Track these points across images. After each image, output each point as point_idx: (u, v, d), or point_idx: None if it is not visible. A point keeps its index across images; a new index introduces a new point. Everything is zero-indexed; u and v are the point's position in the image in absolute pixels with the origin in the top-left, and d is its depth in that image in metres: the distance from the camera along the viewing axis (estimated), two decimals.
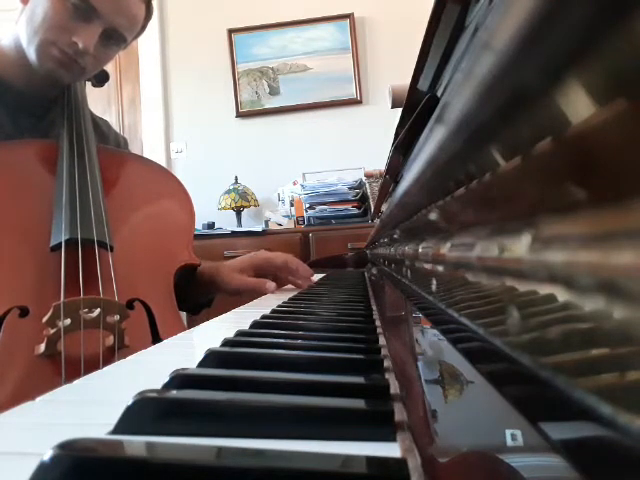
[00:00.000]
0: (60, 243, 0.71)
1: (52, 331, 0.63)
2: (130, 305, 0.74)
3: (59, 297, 0.66)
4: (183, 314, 1.13)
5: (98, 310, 0.66)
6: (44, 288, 0.69)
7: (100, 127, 1.05)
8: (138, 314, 0.75)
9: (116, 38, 0.88)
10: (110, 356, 0.66)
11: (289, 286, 1.05)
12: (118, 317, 0.67)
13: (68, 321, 0.64)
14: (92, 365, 0.64)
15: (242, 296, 0.96)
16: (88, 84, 1.05)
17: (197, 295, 1.05)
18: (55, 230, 0.73)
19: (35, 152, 0.84)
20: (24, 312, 0.67)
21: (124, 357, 0.66)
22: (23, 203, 0.77)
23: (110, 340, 0.67)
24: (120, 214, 0.84)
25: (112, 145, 1.05)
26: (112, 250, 0.76)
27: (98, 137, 0.99)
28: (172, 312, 0.81)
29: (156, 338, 0.74)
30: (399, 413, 0.26)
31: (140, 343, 0.71)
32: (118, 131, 1.15)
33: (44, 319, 0.63)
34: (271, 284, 0.96)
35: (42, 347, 0.63)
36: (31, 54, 0.85)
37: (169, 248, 0.89)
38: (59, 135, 0.87)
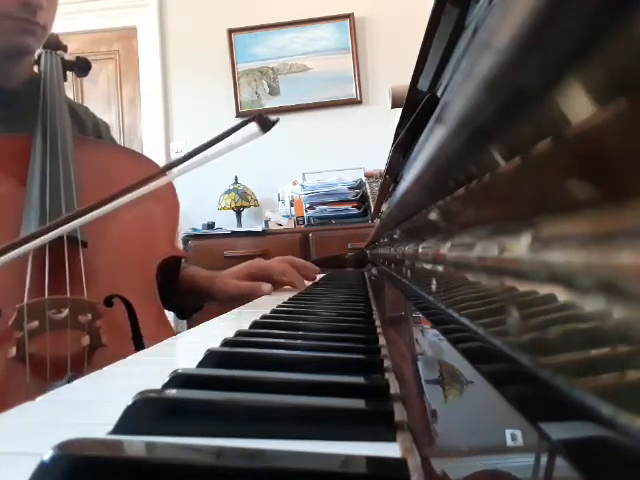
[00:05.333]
0: None
1: (20, 334, 0.62)
2: (109, 302, 0.72)
3: (31, 297, 0.64)
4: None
5: (67, 310, 0.64)
6: (15, 288, 0.66)
7: (78, 115, 1.01)
8: (118, 311, 0.72)
9: None
10: (88, 356, 0.64)
11: (288, 286, 1.05)
12: (90, 316, 0.66)
13: (36, 323, 0.62)
14: (61, 367, 0.62)
15: (237, 302, 0.95)
16: (72, 74, 1.02)
17: (189, 300, 1.03)
18: (24, 227, 0.71)
19: (7, 147, 0.80)
20: None
21: (103, 356, 0.65)
22: None
23: (86, 340, 0.65)
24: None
25: (91, 131, 1.01)
26: (85, 246, 0.73)
27: (77, 125, 0.95)
28: (155, 307, 0.79)
29: (137, 334, 0.72)
30: (399, 413, 0.26)
31: (119, 341, 0.69)
32: (119, 129, 1.13)
33: (9, 322, 0.62)
34: (267, 286, 0.94)
35: (13, 350, 0.62)
36: None
37: (150, 240, 0.85)
38: (33, 128, 0.83)
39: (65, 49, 1.02)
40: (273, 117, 0.75)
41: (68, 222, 0.60)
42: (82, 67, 1.01)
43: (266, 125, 0.72)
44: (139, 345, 0.71)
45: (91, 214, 0.64)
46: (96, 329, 0.66)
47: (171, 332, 0.79)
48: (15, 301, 0.64)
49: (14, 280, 0.67)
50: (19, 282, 0.66)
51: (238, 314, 0.74)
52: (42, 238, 0.60)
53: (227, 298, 0.96)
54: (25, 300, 0.64)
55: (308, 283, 1.07)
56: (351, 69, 2.73)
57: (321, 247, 2.23)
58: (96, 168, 0.87)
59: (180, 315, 1.10)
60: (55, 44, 0.98)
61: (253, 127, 0.72)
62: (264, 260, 1.04)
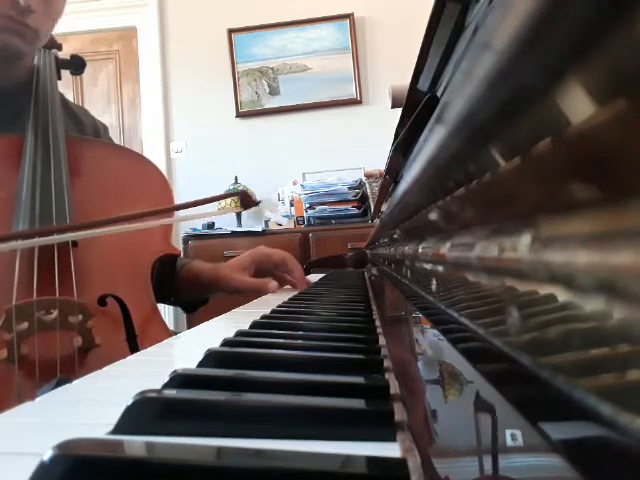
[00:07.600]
0: None
1: (9, 336, 0.61)
2: (102, 301, 0.71)
3: (20, 298, 0.64)
4: (176, 311, 1.12)
5: (57, 311, 0.64)
6: (3, 289, 0.66)
7: (77, 116, 1.00)
8: (111, 311, 0.72)
9: None
10: (82, 356, 0.64)
11: (289, 286, 1.05)
12: (81, 317, 0.65)
13: (25, 324, 0.62)
14: (53, 368, 0.62)
15: (243, 296, 0.96)
16: (66, 72, 1.01)
17: (195, 294, 1.04)
18: (14, 228, 0.70)
19: (0, 147, 0.80)
20: None
21: (97, 356, 0.65)
22: None
23: (78, 341, 0.65)
24: (89, 206, 0.79)
25: (90, 132, 1.01)
26: (76, 245, 0.72)
27: (75, 126, 0.95)
28: (149, 306, 0.79)
29: (131, 334, 0.72)
30: (399, 413, 0.26)
31: (113, 341, 0.69)
32: (119, 130, 1.13)
33: None
34: (273, 284, 0.95)
35: (4, 352, 0.61)
36: None
37: (144, 239, 0.84)
38: (25, 127, 0.82)
39: (60, 47, 1.01)
40: (257, 199, 0.80)
41: (62, 231, 0.60)
42: (77, 65, 1.01)
43: (247, 204, 0.74)
44: (133, 345, 0.71)
45: (88, 231, 0.64)
46: (88, 329, 0.65)
47: (167, 331, 0.79)
48: (3, 302, 0.64)
49: (2, 281, 0.67)
50: (7, 283, 0.66)
51: (238, 314, 0.74)
52: (32, 240, 0.60)
53: (232, 290, 0.97)
54: (14, 301, 0.63)
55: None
56: (351, 69, 2.73)
57: (321, 247, 2.23)
58: (92, 167, 0.87)
59: (185, 310, 1.10)
60: (49, 43, 0.97)
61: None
62: (266, 247, 1.04)
